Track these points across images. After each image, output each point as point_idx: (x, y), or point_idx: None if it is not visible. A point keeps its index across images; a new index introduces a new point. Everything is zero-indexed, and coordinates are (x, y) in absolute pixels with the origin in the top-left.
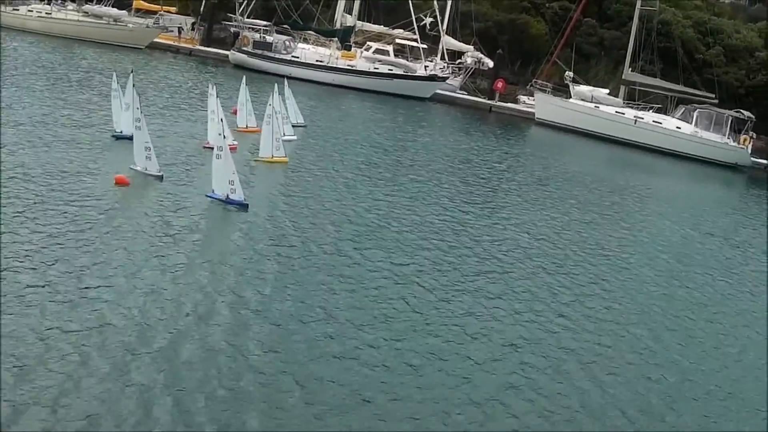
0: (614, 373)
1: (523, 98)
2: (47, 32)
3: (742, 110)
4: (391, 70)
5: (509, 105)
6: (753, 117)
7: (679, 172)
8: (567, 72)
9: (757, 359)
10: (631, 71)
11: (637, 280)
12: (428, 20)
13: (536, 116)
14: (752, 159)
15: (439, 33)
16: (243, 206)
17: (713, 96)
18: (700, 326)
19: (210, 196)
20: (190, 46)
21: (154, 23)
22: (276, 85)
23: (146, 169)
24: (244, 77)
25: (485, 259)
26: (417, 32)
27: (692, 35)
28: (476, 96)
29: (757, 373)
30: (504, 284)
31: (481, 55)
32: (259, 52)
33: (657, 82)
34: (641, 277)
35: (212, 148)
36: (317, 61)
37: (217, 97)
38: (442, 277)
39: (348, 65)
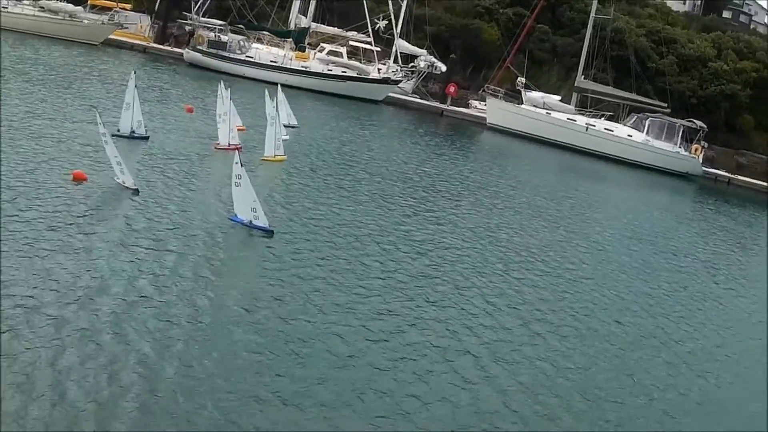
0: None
1: (474, 103)
2: (3, 26)
3: (694, 120)
4: (345, 72)
5: (461, 109)
6: (705, 127)
7: (629, 180)
8: (519, 78)
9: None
10: (584, 78)
11: (557, 287)
12: (382, 23)
13: (487, 121)
14: (703, 168)
15: (393, 36)
16: (268, 232)
17: (665, 105)
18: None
19: (233, 220)
20: (144, 43)
21: (109, 20)
22: (266, 90)
23: (123, 183)
24: (221, 83)
25: (410, 261)
26: (371, 35)
27: (645, 44)
28: (428, 100)
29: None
30: (428, 288)
31: (434, 59)
32: (214, 51)
33: (609, 90)
34: (563, 284)
35: (223, 149)
36: (271, 61)
37: (230, 99)
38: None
39: (302, 66)
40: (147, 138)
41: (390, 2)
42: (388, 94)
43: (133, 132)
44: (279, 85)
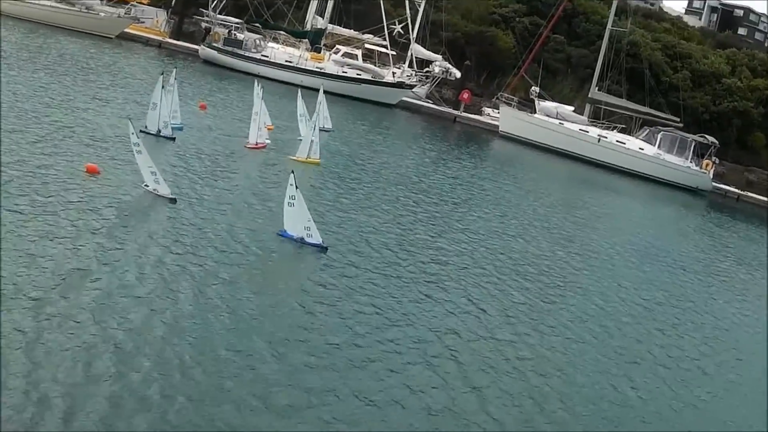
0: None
1: (487, 110)
2: (21, 16)
3: (706, 135)
4: (360, 74)
5: (474, 116)
6: (716, 142)
7: (639, 193)
8: (533, 87)
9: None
10: (598, 90)
11: (560, 296)
12: (398, 28)
13: (500, 129)
14: (713, 184)
15: (409, 41)
16: (322, 248)
17: (678, 119)
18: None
19: (283, 235)
20: (159, 38)
21: (125, 13)
22: (299, 91)
23: (156, 191)
24: (256, 81)
25: (420, 265)
26: (387, 38)
27: (660, 58)
28: (442, 105)
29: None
30: (433, 294)
31: (449, 65)
32: (229, 49)
33: (623, 102)
34: (568, 294)
35: (254, 148)
36: (286, 61)
37: (262, 98)
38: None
39: (317, 67)
40: (173, 139)
41: (407, 6)
42: (402, 98)
43: (160, 131)
44: (321, 87)
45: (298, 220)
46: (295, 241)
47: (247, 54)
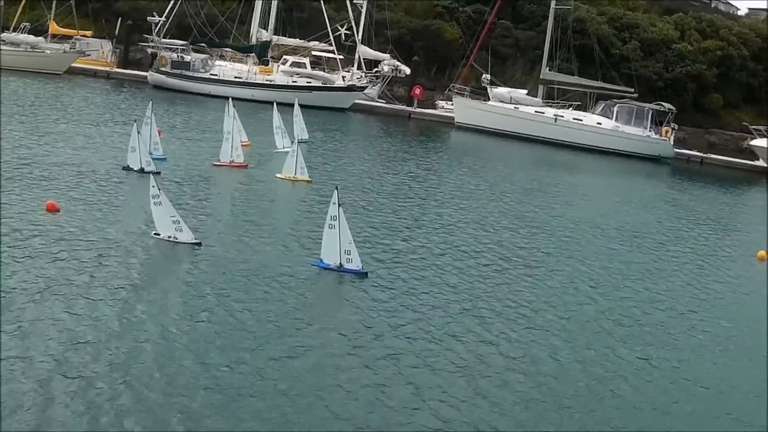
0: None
1: (441, 103)
2: None
3: (662, 102)
4: (310, 82)
5: (428, 111)
6: (673, 109)
7: (602, 168)
8: (484, 75)
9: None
10: (549, 70)
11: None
12: (343, 31)
13: (456, 120)
14: (675, 150)
15: (355, 43)
16: (362, 275)
17: (632, 90)
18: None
19: (318, 265)
20: (107, 68)
21: (70, 48)
22: (275, 104)
23: (175, 239)
24: (229, 100)
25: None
26: (333, 43)
27: (608, 31)
28: (395, 104)
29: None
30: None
31: (398, 63)
32: (178, 71)
33: (575, 79)
34: (537, 275)
35: (232, 166)
36: (235, 77)
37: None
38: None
39: (266, 80)
40: (158, 173)
41: (349, 9)
42: (354, 101)
43: (143, 169)
44: (296, 101)
45: (339, 244)
46: (332, 270)
47: (195, 75)
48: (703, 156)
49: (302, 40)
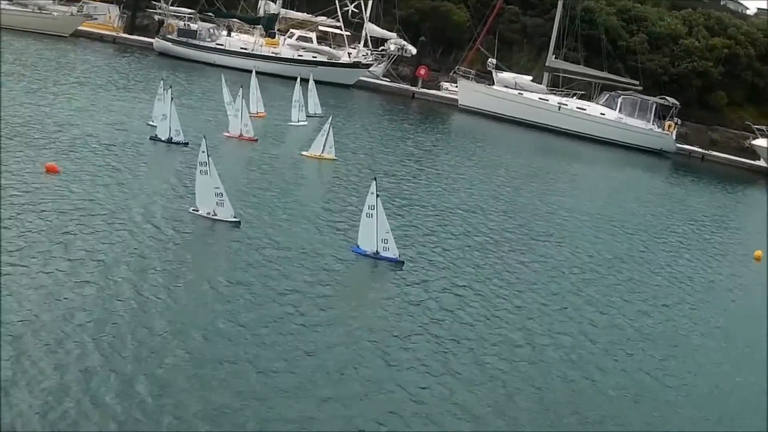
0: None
1: (446, 85)
2: None
3: (666, 97)
4: (315, 57)
5: (432, 92)
6: (677, 103)
7: (603, 158)
8: (490, 59)
9: None
10: (555, 58)
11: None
12: (351, 7)
13: (459, 103)
14: (677, 145)
15: (362, 20)
16: (398, 263)
17: (637, 83)
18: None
19: (356, 251)
20: (113, 33)
21: (78, 11)
22: (299, 79)
23: (214, 214)
24: (253, 73)
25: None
26: (340, 19)
27: (616, 22)
28: (399, 83)
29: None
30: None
31: (404, 42)
32: (184, 39)
33: (581, 68)
34: (526, 262)
35: (235, 138)
36: (241, 48)
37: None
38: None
39: (272, 52)
40: (186, 143)
41: None
42: (358, 78)
43: (171, 139)
44: (310, 76)
45: (376, 232)
46: (368, 257)
47: (201, 44)
48: (705, 152)
49: (310, 15)
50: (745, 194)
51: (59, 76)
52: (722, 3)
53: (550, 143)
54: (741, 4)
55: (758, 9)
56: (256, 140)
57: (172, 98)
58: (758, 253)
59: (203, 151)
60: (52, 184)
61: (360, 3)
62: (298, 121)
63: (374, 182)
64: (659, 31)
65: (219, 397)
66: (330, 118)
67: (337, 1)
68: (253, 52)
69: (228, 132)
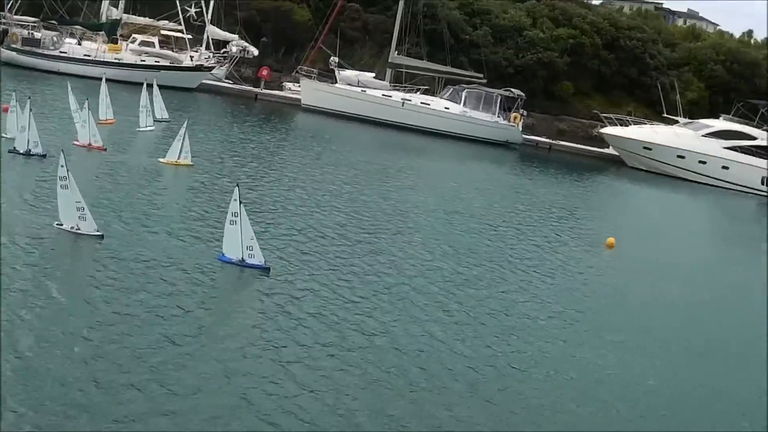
0: None
1: (288, 85)
2: None
3: (511, 88)
4: (158, 61)
5: (275, 92)
6: (523, 95)
7: (448, 152)
8: (332, 57)
9: None
10: (397, 54)
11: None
12: (193, 11)
13: (302, 102)
14: (523, 136)
15: (204, 23)
16: (264, 269)
17: (482, 76)
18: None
19: (222, 259)
20: None
21: None
22: (145, 84)
23: (77, 229)
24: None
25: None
26: (182, 23)
27: (459, 17)
28: (242, 84)
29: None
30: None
31: (246, 44)
32: (28, 48)
33: (423, 63)
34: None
35: (84, 147)
36: (85, 55)
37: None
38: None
39: (115, 58)
40: (45, 155)
41: None
42: (201, 81)
43: (30, 151)
44: (154, 81)
45: (240, 240)
46: (234, 264)
47: (45, 52)
48: (552, 142)
49: (152, 19)
50: (595, 182)
51: None
52: None
53: (395, 139)
54: None
55: None
56: (105, 149)
57: (30, 109)
58: (611, 240)
59: (62, 166)
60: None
61: (202, 6)
62: (146, 126)
63: (237, 189)
64: (503, 24)
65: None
66: (186, 123)
67: (178, 5)
68: (96, 59)
69: (77, 141)
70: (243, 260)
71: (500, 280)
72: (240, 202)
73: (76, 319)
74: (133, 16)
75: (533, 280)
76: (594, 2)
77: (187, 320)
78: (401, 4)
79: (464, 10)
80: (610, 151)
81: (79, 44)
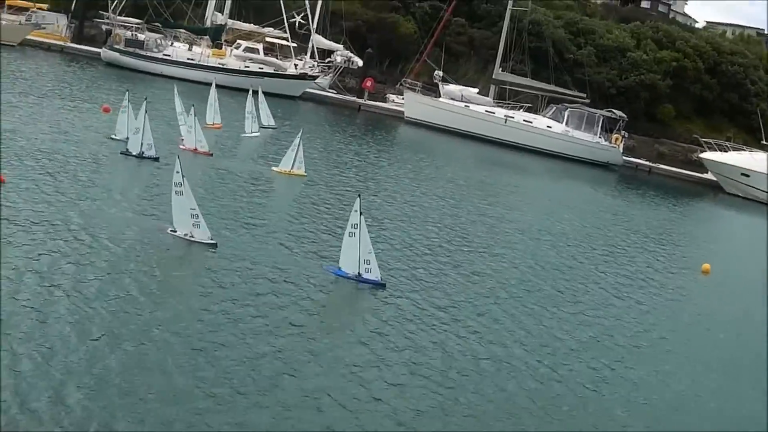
0: None
1: (392, 97)
2: None
3: (613, 110)
4: (262, 68)
5: (378, 104)
6: (624, 116)
7: (549, 171)
8: (436, 71)
9: None
10: (501, 71)
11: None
12: (299, 19)
13: (405, 115)
14: (624, 158)
15: (309, 32)
16: (379, 285)
17: (584, 96)
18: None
19: (336, 273)
20: (61, 43)
21: (26, 20)
22: (250, 90)
23: (191, 236)
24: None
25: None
26: (287, 31)
27: (563, 35)
28: (345, 94)
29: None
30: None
31: (351, 54)
32: (131, 50)
33: (527, 81)
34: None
35: (190, 151)
36: (188, 59)
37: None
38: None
39: (219, 63)
40: (157, 158)
41: None
42: (305, 89)
43: (143, 153)
44: (260, 88)
45: (359, 252)
46: (350, 279)
47: (148, 54)
48: (652, 165)
49: (257, 26)
50: (692, 207)
51: (10, 86)
52: (671, 16)
53: (496, 156)
54: (690, 18)
55: (707, 22)
56: (211, 154)
57: (146, 112)
58: (706, 266)
59: (177, 171)
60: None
61: (307, 14)
62: (251, 132)
63: (358, 199)
64: (607, 43)
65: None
66: (300, 133)
67: (284, 13)
68: (200, 63)
69: (183, 145)
70: (359, 275)
71: (590, 300)
72: (360, 213)
73: (187, 326)
74: (238, 22)
75: (627, 305)
76: (697, 26)
77: (299, 334)
78: (507, 20)
79: (569, 28)
80: (709, 176)
81: (190, 49)
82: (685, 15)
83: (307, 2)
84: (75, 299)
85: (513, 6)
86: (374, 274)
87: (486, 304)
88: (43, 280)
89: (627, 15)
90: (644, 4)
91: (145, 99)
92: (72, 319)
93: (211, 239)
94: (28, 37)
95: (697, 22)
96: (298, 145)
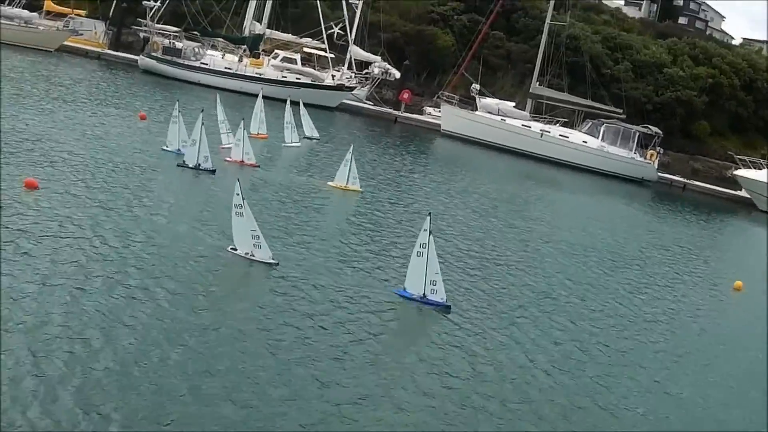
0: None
1: (429, 109)
2: None
3: (649, 125)
4: (299, 78)
5: (415, 116)
6: (660, 132)
7: (584, 186)
8: (474, 84)
9: None
10: (539, 85)
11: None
12: (337, 30)
13: (442, 128)
14: (659, 174)
15: (347, 43)
16: (445, 308)
17: (621, 111)
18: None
19: (401, 294)
20: (98, 49)
21: (64, 26)
22: (288, 100)
23: (252, 255)
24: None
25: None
26: (325, 41)
27: (601, 50)
28: (382, 106)
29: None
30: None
31: (388, 66)
32: (169, 58)
33: (564, 96)
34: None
35: (237, 163)
36: (226, 68)
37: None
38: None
39: (256, 73)
40: (214, 171)
41: (344, 8)
42: (342, 100)
43: (199, 165)
44: (300, 100)
45: (425, 273)
46: (414, 300)
47: (186, 62)
48: (686, 182)
49: (295, 36)
50: (725, 224)
51: (45, 91)
52: (707, 33)
53: (532, 170)
54: (726, 34)
55: (743, 39)
56: (258, 166)
57: (203, 123)
58: (738, 283)
59: (237, 194)
60: (118, 226)
61: (345, 25)
62: (292, 142)
63: (428, 218)
64: (644, 59)
65: None
66: (352, 148)
67: (322, 23)
68: (237, 72)
69: (230, 157)
70: (425, 296)
71: (622, 317)
72: (430, 233)
73: (250, 345)
74: (276, 32)
75: (659, 321)
76: (734, 42)
77: (370, 356)
78: (545, 34)
79: (606, 44)
80: (743, 193)
81: (223, 57)
82: (722, 31)
83: (345, 13)
84: (136, 310)
85: (551, 20)
86: (439, 296)
87: (549, 326)
88: (106, 291)
89: (664, 31)
90: (681, 21)
91: (201, 111)
92: (134, 329)
93: (273, 259)
94: (66, 43)
95: (733, 38)
96: (351, 160)
